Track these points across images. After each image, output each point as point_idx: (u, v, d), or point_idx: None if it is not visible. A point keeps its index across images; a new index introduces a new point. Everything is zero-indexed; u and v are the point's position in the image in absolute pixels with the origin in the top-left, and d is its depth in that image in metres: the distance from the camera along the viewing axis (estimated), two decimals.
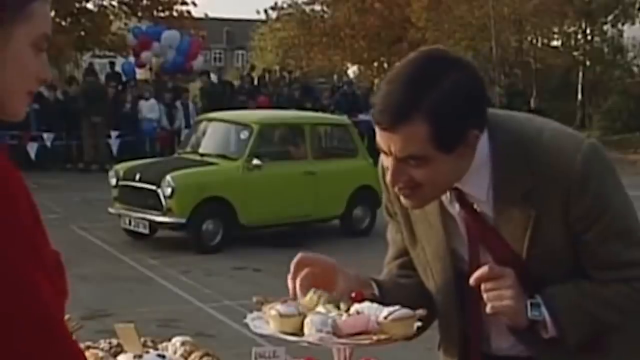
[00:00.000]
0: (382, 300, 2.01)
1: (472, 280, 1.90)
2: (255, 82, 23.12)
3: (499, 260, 1.94)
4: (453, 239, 2.02)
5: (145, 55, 21.90)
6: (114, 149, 17.99)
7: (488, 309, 1.90)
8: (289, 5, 31.09)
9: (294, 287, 2.01)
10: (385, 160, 1.88)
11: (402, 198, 1.93)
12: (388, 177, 1.88)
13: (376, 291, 2.06)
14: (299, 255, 2.03)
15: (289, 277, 2.03)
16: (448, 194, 1.95)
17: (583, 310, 1.90)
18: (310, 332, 1.97)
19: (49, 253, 1.44)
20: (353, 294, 1.94)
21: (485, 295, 1.90)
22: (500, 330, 2.02)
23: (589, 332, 1.93)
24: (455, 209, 1.97)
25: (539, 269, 1.92)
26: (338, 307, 2.01)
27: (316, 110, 17.86)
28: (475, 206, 1.95)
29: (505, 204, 1.90)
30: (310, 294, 1.99)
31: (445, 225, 2.00)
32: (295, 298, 2.01)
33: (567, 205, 1.86)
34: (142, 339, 2.59)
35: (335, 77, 28.31)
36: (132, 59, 23.13)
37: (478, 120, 1.85)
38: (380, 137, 1.83)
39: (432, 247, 2.05)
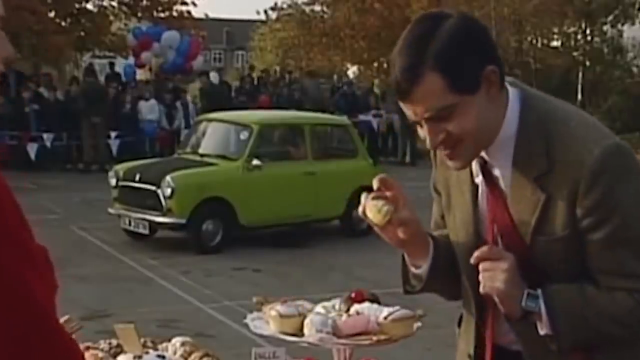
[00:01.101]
0: (435, 255, 2.05)
1: (472, 259, 1.92)
2: (255, 82, 23.08)
3: (506, 240, 1.96)
4: (480, 211, 2.04)
5: (145, 55, 21.88)
6: (114, 149, 17.97)
7: (481, 289, 1.92)
8: (289, 6, 31.05)
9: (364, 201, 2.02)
10: (421, 131, 1.91)
11: (448, 162, 1.96)
12: (427, 143, 1.91)
13: (431, 246, 2.07)
14: (380, 176, 2.04)
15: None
16: (477, 164, 1.98)
17: (582, 316, 1.88)
18: (310, 333, 1.97)
19: (36, 250, 1.43)
20: (353, 294, 1.93)
21: (480, 275, 1.92)
22: (498, 315, 2.02)
23: (586, 338, 1.92)
24: (479, 178, 2.01)
25: (542, 260, 1.92)
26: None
27: (316, 111, 17.85)
28: (496, 180, 1.97)
29: (520, 183, 1.91)
30: (377, 200, 1.98)
31: (475, 196, 2.04)
32: (363, 211, 2.00)
33: (575, 196, 1.84)
34: (142, 340, 2.59)
35: (335, 77, 28.29)
36: (131, 59, 23.10)
37: (489, 56, 1.87)
38: (406, 109, 1.88)
39: (461, 214, 2.07)
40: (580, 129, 1.89)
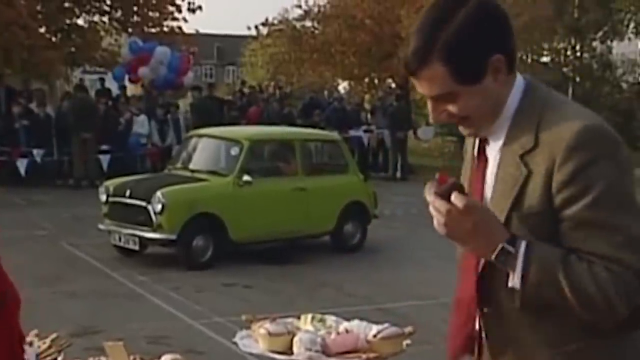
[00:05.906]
0: None
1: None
2: (245, 99, 23.04)
3: None
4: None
5: (142, 70, 21.76)
6: (104, 165, 17.92)
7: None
8: (280, 22, 31.10)
9: None
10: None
11: (459, 127, 2.05)
12: (430, 117, 2.04)
13: None
14: None
15: None
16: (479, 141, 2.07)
17: (554, 275, 1.86)
18: (300, 351, 1.97)
19: None
20: (437, 175, 1.91)
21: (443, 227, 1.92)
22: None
23: (549, 299, 1.89)
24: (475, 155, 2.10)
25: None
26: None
27: (307, 126, 17.86)
28: (487, 159, 2.04)
29: (507, 161, 1.97)
30: None
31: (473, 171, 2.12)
32: None
33: (552, 171, 1.87)
34: (132, 357, 2.58)
35: (326, 93, 28.31)
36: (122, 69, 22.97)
37: (498, 44, 1.97)
38: (414, 82, 2.00)
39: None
40: (570, 112, 1.95)
